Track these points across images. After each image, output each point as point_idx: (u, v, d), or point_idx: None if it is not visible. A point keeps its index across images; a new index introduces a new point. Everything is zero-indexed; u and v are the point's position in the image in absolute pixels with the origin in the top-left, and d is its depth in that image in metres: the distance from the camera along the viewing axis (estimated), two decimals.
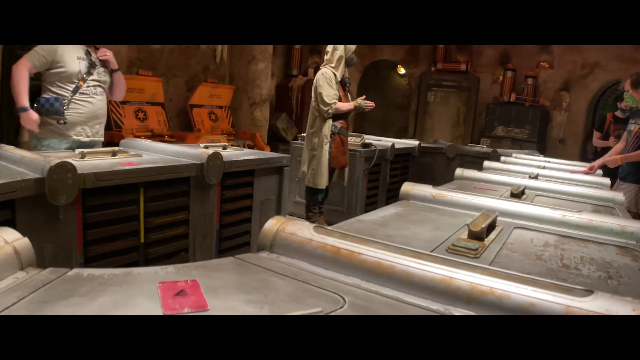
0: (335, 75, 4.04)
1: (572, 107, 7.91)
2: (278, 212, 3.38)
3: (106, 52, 3.11)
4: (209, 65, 6.17)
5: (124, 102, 4.86)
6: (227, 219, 2.89)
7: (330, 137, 4.04)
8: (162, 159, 2.60)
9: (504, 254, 1.28)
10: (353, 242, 1.01)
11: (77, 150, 2.41)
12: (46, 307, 0.71)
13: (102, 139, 3.21)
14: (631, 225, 1.59)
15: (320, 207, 4.23)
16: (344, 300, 0.83)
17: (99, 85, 3.10)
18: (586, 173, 3.56)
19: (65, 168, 1.92)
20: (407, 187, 1.98)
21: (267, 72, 6.69)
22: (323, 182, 4.00)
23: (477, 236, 1.33)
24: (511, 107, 8.10)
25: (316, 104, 4.03)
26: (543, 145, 7.86)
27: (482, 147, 7.04)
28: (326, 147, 3.99)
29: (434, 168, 6.33)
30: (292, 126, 7.35)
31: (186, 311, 0.72)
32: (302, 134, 5.38)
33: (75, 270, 0.86)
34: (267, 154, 3.33)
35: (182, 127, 5.76)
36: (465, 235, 1.36)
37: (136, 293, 0.78)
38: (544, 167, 3.62)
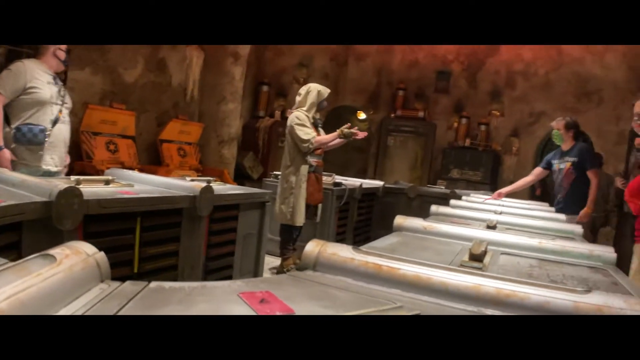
0: (307, 117, 4.20)
1: (521, 151, 8.49)
2: (259, 247, 3.45)
3: None
4: (180, 102, 6.26)
5: (95, 134, 4.86)
6: (213, 252, 2.95)
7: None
8: (155, 189, 2.66)
9: (502, 273, 1.46)
10: (390, 260, 1.15)
11: (73, 177, 2.44)
12: (154, 311, 0.81)
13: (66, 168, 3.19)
14: (597, 249, 1.83)
15: (294, 244, 4.31)
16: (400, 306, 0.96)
17: (68, 111, 3.11)
18: (495, 199, 4.01)
19: (72, 193, 1.96)
20: (400, 220, 2.15)
21: (237, 112, 6.85)
22: (301, 219, 4.10)
23: (478, 258, 1.50)
24: (465, 151, 8.59)
25: (293, 143, 4.16)
26: (495, 186, 8.32)
27: (441, 188, 7.40)
28: (304, 186, 4.11)
29: (396, 207, 6.58)
30: (258, 164, 7.48)
31: (276, 314, 0.84)
32: (275, 172, 5.52)
33: (155, 283, 0.96)
34: (251, 189, 3.44)
35: (151, 161, 5.77)
36: (466, 257, 1.53)
37: (224, 301, 0.88)
38: (502, 206, 3.92)
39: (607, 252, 1.79)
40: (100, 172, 4.33)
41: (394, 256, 1.19)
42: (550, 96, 8.26)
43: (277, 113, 7.94)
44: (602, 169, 4.55)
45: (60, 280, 0.78)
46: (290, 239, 4.24)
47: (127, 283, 0.94)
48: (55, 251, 0.86)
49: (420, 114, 8.97)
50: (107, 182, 2.55)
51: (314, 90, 4.25)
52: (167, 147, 5.83)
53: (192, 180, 3.19)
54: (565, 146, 4.51)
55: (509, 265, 1.59)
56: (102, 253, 0.97)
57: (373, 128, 9.57)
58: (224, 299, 0.90)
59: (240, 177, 7.02)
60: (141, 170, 5.07)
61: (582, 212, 4.28)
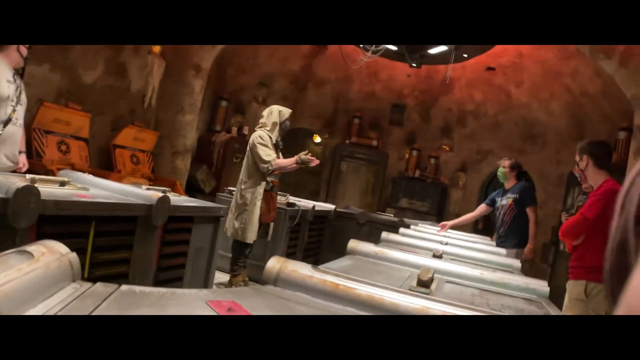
0: (270, 137, 4.28)
1: (467, 186, 8.88)
2: (209, 261, 3.44)
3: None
4: (137, 109, 6.18)
5: (47, 132, 4.71)
6: (164, 263, 2.92)
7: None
8: (112, 195, 2.63)
9: (446, 299, 1.56)
10: (347, 280, 1.23)
11: (28, 176, 2.39)
12: (128, 312, 0.85)
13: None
14: (532, 282, 1.98)
15: (245, 261, 4.32)
16: None
17: (23, 111, 3.06)
18: (440, 230, 4.36)
19: (30, 192, 1.93)
20: (353, 244, 2.24)
21: (193, 124, 6.83)
22: (252, 236, 4.13)
23: (425, 284, 1.61)
24: (415, 182, 8.89)
25: (253, 161, 4.20)
26: (441, 218, 8.64)
27: (390, 216, 7.61)
28: (258, 204, 4.15)
29: (346, 231, 6.69)
30: (211, 178, 7.43)
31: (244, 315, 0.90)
32: (230, 188, 5.52)
33: (126, 286, 0.99)
34: (207, 203, 3.44)
35: (102, 166, 5.63)
36: (414, 283, 1.64)
37: (194, 307, 0.93)
38: (448, 237, 4.12)
39: (541, 285, 1.95)
40: (49, 172, 4.20)
41: (350, 277, 1.27)
42: (497, 136, 8.72)
43: (234, 129, 7.95)
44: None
45: (38, 276, 0.81)
46: (241, 255, 4.24)
47: (99, 284, 0.97)
48: (32, 248, 0.89)
49: (374, 142, 9.24)
50: (62, 184, 2.51)
51: (275, 111, 4.35)
52: (120, 152, 5.71)
53: (148, 189, 3.17)
54: (508, 185, 4.85)
55: (453, 292, 1.71)
56: (75, 254, 1.00)
57: (327, 152, 9.75)
58: (193, 305, 0.94)
59: (192, 190, 6.95)
60: (92, 174, 4.96)
61: (526, 250, 4.57)
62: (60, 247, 0.94)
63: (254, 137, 4.22)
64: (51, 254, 0.89)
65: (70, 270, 0.94)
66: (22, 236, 1.96)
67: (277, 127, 4.33)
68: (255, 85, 8.54)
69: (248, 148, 4.27)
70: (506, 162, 4.88)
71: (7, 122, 2.92)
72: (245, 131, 8.18)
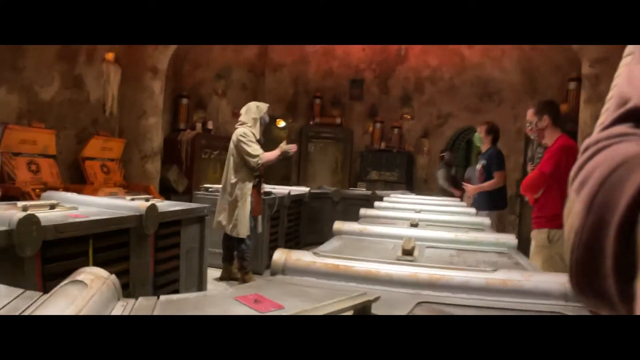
0: (253, 133, 4.38)
1: (431, 151, 9.19)
2: (201, 259, 3.59)
3: None
4: (99, 119, 6.15)
5: (15, 154, 4.70)
6: (160, 268, 3.06)
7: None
8: (101, 211, 2.73)
9: (429, 262, 1.78)
10: (344, 260, 1.42)
11: (19, 204, 2.47)
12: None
13: None
14: (502, 237, 2.23)
15: (249, 255, 4.45)
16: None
17: None
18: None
19: (31, 220, 2.03)
20: (338, 225, 2.43)
21: (158, 127, 6.84)
22: (245, 231, 4.27)
23: (409, 253, 1.82)
24: (381, 154, 9.14)
25: (239, 160, 4.28)
26: (411, 185, 8.96)
27: (362, 190, 7.86)
28: (249, 199, 4.29)
29: (322, 211, 6.93)
30: (182, 178, 7.48)
31: (272, 310, 1.07)
32: (206, 185, 5.62)
33: (164, 297, 1.14)
34: (191, 204, 3.56)
35: (73, 180, 5.62)
36: (399, 253, 1.84)
37: (228, 305, 1.10)
38: (421, 204, 4.36)
39: (510, 239, 2.20)
40: (26, 194, 4.22)
41: (346, 257, 1.46)
42: (455, 99, 9.01)
43: (198, 125, 7.98)
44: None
45: (97, 300, 0.96)
46: (244, 250, 4.36)
47: (141, 299, 1.12)
48: (82, 277, 1.03)
49: (338, 120, 9.42)
50: (52, 207, 2.60)
51: (252, 107, 4.44)
52: (89, 164, 5.72)
53: (133, 199, 3.27)
54: (483, 148, 4.97)
55: (434, 256, 1.93)
56: (114, 276, 1.13)
57: (293, 136, 9.88)
58: (225, 303, 1.11)
59: (166, 191, 6.99)
60: (66, 190, 4.98)
61: (468, 189, 4.82)
62: (102, 272, 1.08)
63: (237, 136, 4.30)
64: (99, 280, 1.03)
65: (115, 291, 1.08)
66: (29, 263, 2.07)
67: (258, 123, 4.42)
68: (213, 78, 8.54)
69: (232, 146, 4.35)
70: (482, 127, 4.97)
71: None
72: (210, 126, 8.22)
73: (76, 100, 5.74)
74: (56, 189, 4.85)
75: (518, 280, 1.31)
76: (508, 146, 7.95)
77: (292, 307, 1.06)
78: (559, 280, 1.29)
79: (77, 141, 5.79)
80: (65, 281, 1.02)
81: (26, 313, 0.93)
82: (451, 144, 9.20)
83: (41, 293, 1.07)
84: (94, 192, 4.97)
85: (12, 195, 4.14)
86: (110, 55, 6.06)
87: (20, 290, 1.11)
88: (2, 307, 0.98)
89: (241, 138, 4.27)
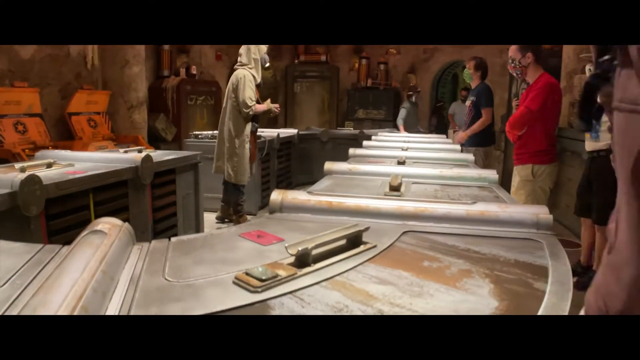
0: (254, 77, 4.33)
1: (418, 86, 9.19)
2: (197, 205, 3.71)
3: None
4: (81, 72, 6.06)
5: (1, 116, 4.68)
6: (158, 215, 3.19)
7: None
8: (97, 165, 2.81)
9: (415, 197, 1.91)
10: (337, 197, 1.54)
11: (17, 165, 2.53)
12: (191, 255, 1.12)
13: None
14: (483, 172, 2.35)
15: (244, 200, 4.57)
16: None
17: None
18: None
19: (33, 180, 2.11)
20: (328, 165, 2.53)
21: (142, 75, 6.75)
22: (245, 178, 4.36)
23: (396, 189, 1.94)
24: (368, 91, 9.15)
25: (236, 105, 4.25)
26: None
27: (350, 130, 7.93)
28: (247, 146, 4.33)
29: (311, 151, 7.04)
30: (170, 125, 7.48)
31: (273, 242, 1.19)
32: (195, 132, 5.66)
33: (175, 238, 1.26)
34: (184, 153, 3.63)
35: (61, 137, 5.63)
36: (387, 189, 1.96)
37: (234, 241, 1.21)
38: (408, 142, 4.46)
39: (491, 174, 2.32)
40: (16, 155, 4.25)
41: (338, 194, 1.58)
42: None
43: (182, 71, 7.88)
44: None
45: (117, 245, 1.07)
46: (240, 196, 4.47)
47: (154, 242, 1.23)
48: (100, 227, 1.14)
49: (323, 57, 9.33)
50: (49, 165, 2.66)
51: (252, 47, 4.32)
52: (76, 119, 5.70)
53: (126, 151, 3.33)
54: (473, 84, 5.00)
55: (419, 191, 2.05)
56: (127, 224, 1.24)
57: (279, 76, 9.79)
58: (232, 239, 1.23)
59: (155, 140, 7.02)
60: (55, 147, 5.01)
61: (458, 135, 4.94)
62: (117, 221, 1.19)
63: (240, 77, 4.21)
64: (115, 228, 1.14)
65: (130, 236, 1.19)
66: (35, 221, 2.17)
67: (259, 64, 4.36)
68: None
69: (230, 89, 4.28)
70: (470, 63, 4.97)
71: None
72: (193, 70, 8.11)
73: (57, 56, 5.64)
74: (45, 147, 4.90)
75: (495, 211, 1.44)
76: (493, 81, 7.88)
77: (291, 239, 1.17)
78: (532, 211, 1.42)
79: (62, 97, 5.73)
80: (85, 231, 1.13)
81: (52, 264, 1.04)
82: (437, 78, 9.21)
83: (61, 245, 1.18)
84: (83, 147, 5.01)
85: (2, 157, 4.17)
86: None
87: (39, 245, 1.21)
88: (28, 261, 1.09)
89: (243, 81, 4.19)
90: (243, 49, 4.40)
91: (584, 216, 3.59)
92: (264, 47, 4.43)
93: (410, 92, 7.58)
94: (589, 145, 3.48)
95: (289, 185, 6.47)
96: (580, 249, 3.77)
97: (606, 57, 0.66)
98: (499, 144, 7.96)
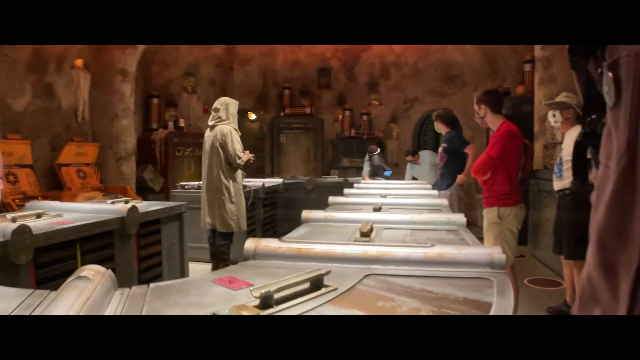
0: (236, 130, 4.58)
1: (400, 136, 9.50)
2: (181, 254, 3.80)
3: None
4: (72, 125, 6.24)
5: None
6: (144, 265, 3.27)
7: None
8: (85, 216, 2.91)
9: (384, 242, 2.04)
10: (306, 244, 1.66)
11: (8, 215, 2.64)
12: (168, 300, 1.24)
13: None
14: (452, 216, 2.50)
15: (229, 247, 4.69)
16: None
17: None
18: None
19: (23, 230, 2.22)
20: (306, 213, 2.66)
21: (131, 128, 6.95)
22: (245, 223, 4.56)
23: (366, 234, 2.07)
24: (352, 140, 9.41)
25: (225, 158, 4.47)
26: None
27: (334, 178, 8.12)
28: (242, 194, 4.55)
29: (297, 200, 7.17)
30: (158, 177, 7.61)
31: (243, 287, 1.31)
32: (182, 183, 5.79)
33: (154, 284, 1.37)
34: (169, 203, 3.76)
35: (51, 187, 5.73)
36: (358, 235, 2.09)
37: (207, 286, 1.33)
38: (387, 189, 4.63)
39: (459, 218, 2.47)
40: (7, 205, 4.34)
41: (308, 241, 1.70)
42: (420, 83, 9.30)
43: (170, 124, 8.09)
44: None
45: (99, 291, 1.18)
46: (229, 244, 4.59)
47: (134, 287, 1.34)
48: (85, 273, 1.25)
49: (307, 110, 9.62)
50: (38, 216, 2.77)
51: (231, 104, 4.60)
52: (66, 171, 5.82)
53: (113, 202, 3.44)
54: (444, 133, 5.19)
55: (389, 236, 2.18)
56: (110, 271, 1.35)
57: (265, 128, 10.06)
58: (205, 285, 1.35)
59: (143, 191, 7.13)
60: (45, 198, 5.11)
61: (458, 178, 5.09)
62: (100, 268, 1.30)
63: (226, 132, 4.44)
64: (99, 274, 1.25)
65: (113, 282, 1.30)
66: (24, 270, 2.26)
67: (235, 119, 4.61)
68: (182, 76, 8.64)
69: (217, 144, 4.48)
70: (434, 114, 5.21)
71: None
72: (181, 123, 8.33)
73: (48, 109, 5.83)
74: (35, 197, 4.99)
75: (452, 252, 1.57)
76: (472, 127, 8.27)
77: (260, 284, 1.29)
78: (486, 252, 1.55)
79: (52, 148, 5.88)
80: (71, 278, 1.24)
81: (40, 307, 1.15)
82: (419, 127, 9.52)
83: (49, 291, 1.29)
84: (72, 198, 5.11)
85: None
86: (79, 62, 6.14)
87: (30, 290, 1.32)
88: (19, 305, 1.19)
89: (231, 136, 4.44)
90: (220, 105, 4.60)
91: (561, 254, 3.72)
92: (236, 104, 4.71)
93: (371, 153, 7.81)
94: (556, 184, 3.68)
95: (275, 233, 6.56)
96: (564, 287, 3.88)
97: (593, 117, 0.72)
98: (478, 186, 8.16)
